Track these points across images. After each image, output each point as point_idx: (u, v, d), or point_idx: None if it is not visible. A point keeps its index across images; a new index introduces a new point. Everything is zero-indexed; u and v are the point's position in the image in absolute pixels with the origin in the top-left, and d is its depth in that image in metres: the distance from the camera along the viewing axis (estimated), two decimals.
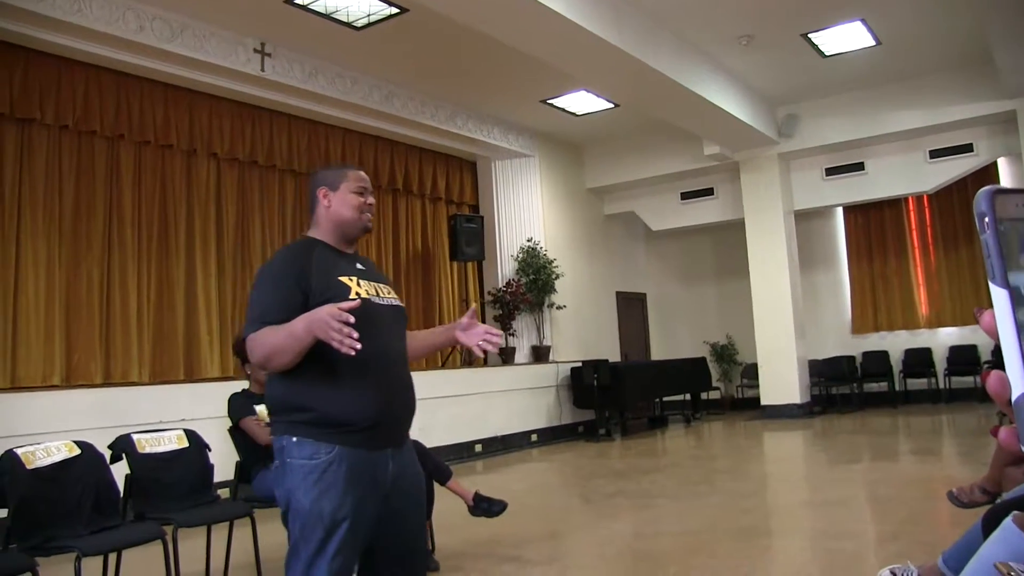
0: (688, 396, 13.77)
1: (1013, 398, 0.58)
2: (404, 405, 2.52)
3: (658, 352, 15.47)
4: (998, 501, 3.14)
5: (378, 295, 2.53)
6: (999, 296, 0.60)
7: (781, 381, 12.36)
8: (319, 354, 2.26)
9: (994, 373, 0.61)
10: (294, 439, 2.35)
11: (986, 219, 0.63)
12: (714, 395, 14.65)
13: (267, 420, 4.57)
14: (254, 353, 2.34)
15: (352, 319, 2.17)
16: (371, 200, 2.65)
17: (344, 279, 2.47)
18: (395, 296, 2.64)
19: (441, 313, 11.68)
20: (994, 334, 0.60)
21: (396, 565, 2.52)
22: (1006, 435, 0.62)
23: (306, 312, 2.28)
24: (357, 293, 2.45)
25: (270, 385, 2.48)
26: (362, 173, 2.67)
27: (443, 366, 10.95)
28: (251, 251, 9.21)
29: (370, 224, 2.66)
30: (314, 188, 2.62)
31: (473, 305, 2.74)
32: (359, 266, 2.60)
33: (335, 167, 2.69)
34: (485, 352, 2.66)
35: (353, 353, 2.17)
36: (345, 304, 2.22)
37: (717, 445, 10.79)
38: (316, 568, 2.31)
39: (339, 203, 2.58)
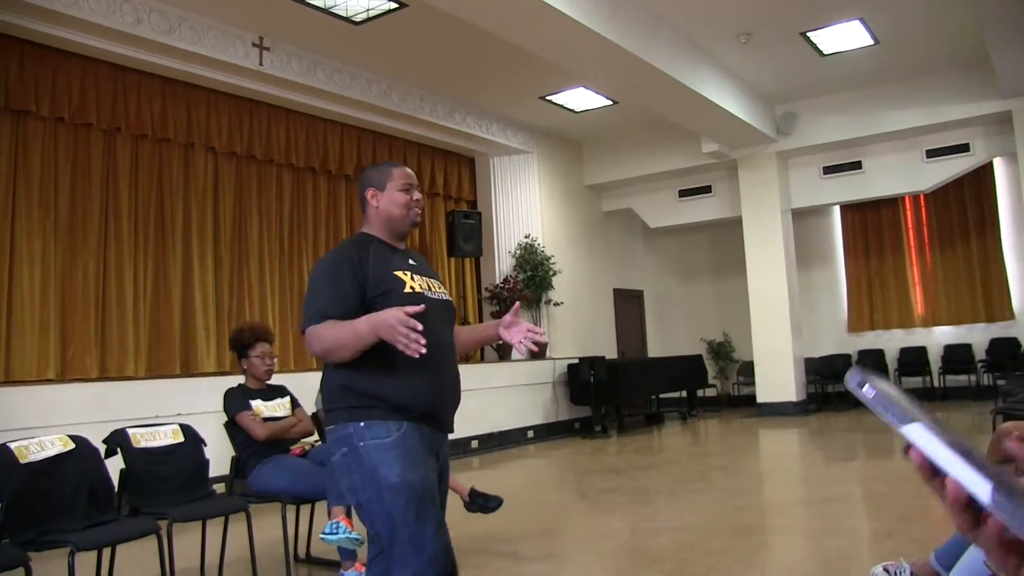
0: (684, 393, 13.79)
1: (986, 501, 0.61)
2: (454, 395, 2.67)
3: (655, 349, 15.49)
4: None
5: (430, 290, 2.65)
6: (912, 431, 0.66)
7: (777, 379, 12.38)
8: (379, 346, 2.36)
9: (949, 480, 0.64)
10: (362, 423, 2.45)
11: (865, 385, 0.71)
12: (710, 392, 14.67)
13: (263, 415, 4.60)
14: (313, 346, 2.45)
15: (419, 325, 2.28)
16: (417, 196, 2.75)
17: (399, 274, 2.60)
18: (445, 291, 2.76)
19: None
20: (927, 469, 0.65)
21: None
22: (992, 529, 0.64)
23: (363, 304, 2.46)
24: (412, 287, 2.58)
25: (330, 375, 2.56)
26: (407, 170, 2.78)
27: None
28: (248, 246, 9.20)
29: (418, 219, 2.77)
30: (363, 189, 2.74)
31: (516, 303, 2.76)
32: (411, 261, 2.72)
33: (380, 166, 2.80)
34: (529, 350, 2.74)
35: (418, 355, 2.28)
36: (411, 308, 2.32)
37: (713, 442, 10.80)
38: (425, 537, 2.38)
39: (387, 202, 2.70)
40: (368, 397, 2.46)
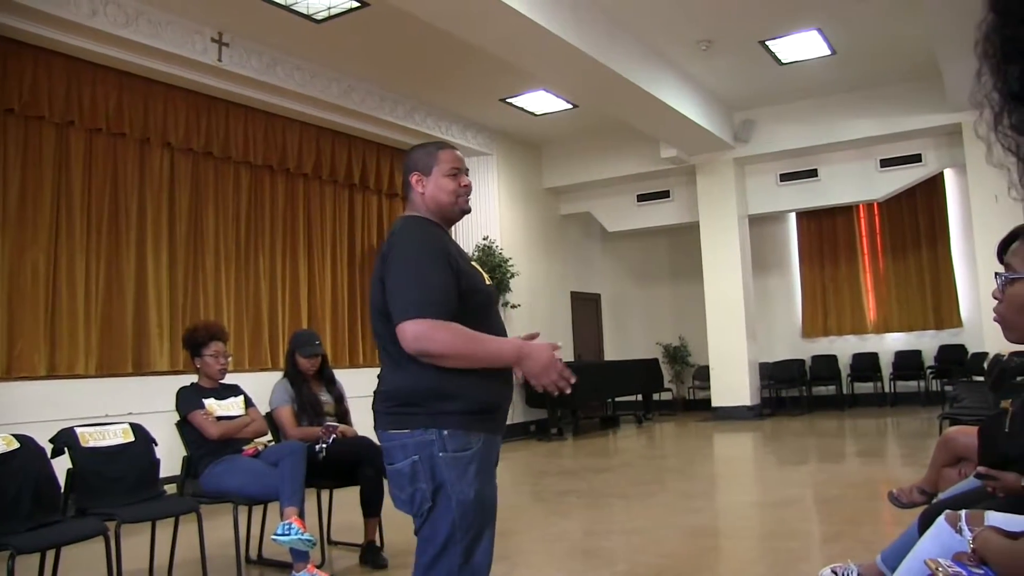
0: (640, 397, 13.88)
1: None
2: (512, 392, 2.53)
3: (611, 352, 15.56)
4: (934, 501, 3.22)
5: (489, 282, 2.51)
6: None
7: (732, 383, 12.50)
8: None
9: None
10: (445, 432, 2.26)
11: None
12: (666, 396, 14.78)
13: (216, 414, 4.55)
14: (426, 343, 2.20)
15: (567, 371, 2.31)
16: (466, 181, 2.54)
17: (475, 265, 2.46)
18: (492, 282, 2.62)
19: None
20: None
21: None
22: None
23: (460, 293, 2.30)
24: (487, 281, 2.46)
25: (403, 374, 2.32)
26: (456, 153, 2.56)
27: None
28: (204, 243, 9.08)
29: (468, 207, 2.56)
30: (406, 173, 2.54)
31: (537, 331, 2.63)
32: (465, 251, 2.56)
33: (426, 148, 2.57)
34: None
35: (567, 393, 2.27)
36: (554, 344, 2.32)
37: (668, 446, 10.87)
38: (476, 556, 2.29)
39: (434, 188, 2.49)
40: (450, 400, 2.27)
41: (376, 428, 2.40)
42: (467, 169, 2.59)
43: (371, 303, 2.41)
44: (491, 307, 2.45)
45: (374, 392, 2.42)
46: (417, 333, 2.20)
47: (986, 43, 0.73)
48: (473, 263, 2.49)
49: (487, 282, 2.46)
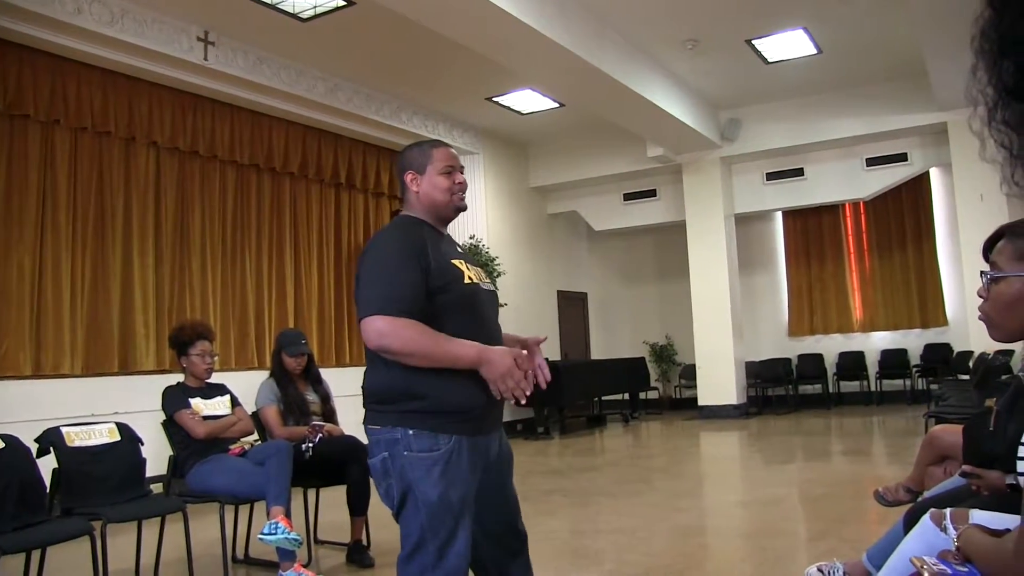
0: (627, 396, 13.89)
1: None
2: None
3: (598, 351, 15.57)
4: (919, 500, 3.24)
5: (480, 280, 2.50)
6: None
7: (718, 382, 12.54)
8: None
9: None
10: (410, 432, 2.28)
11: None
12: (652, 395, 14.81)
13: (202, 414, 4.53)
14: (387, 340, 2.22)
15: (529, 371, 2.29)
16: (461, 178, 2.56)
17: (456, 263, 2.45)
18: (490, 281, 2.60)
19: None
20: None
21: (495, 543, 2.53)
22: None
23: (424, 290, 2.30)
24: (469, 278, 2.44)
25: (376, 372, 2.36)
26: (450, 150, 2.58)
27: None
28: (190, 242, 9.05)
29: (464, 205, 2.58)
30: (401, 172, 2.55)
31: (544, 337, 2.61)
32: (459, 248, 2.58)
33: (420, 146, 2.59)
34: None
35: (522, 404, 2.28)
36: (517, 352, 2.28)
37: (654, 444, 10.89)
38: (448, 557, 2.28)
39: (428, 187, 2.51)
40: (417, 399, 2.29)
41: (363, 423, 2.43)
42: (462, 167, 2.61)
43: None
44: (475, 306, 2.42)
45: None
46: (379, 329, 2.22)
47: (981, 38, 0.74)
48: (457, 262, 2.46)
49: (469, 280, 2.43)
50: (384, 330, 2.22)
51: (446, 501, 2.28)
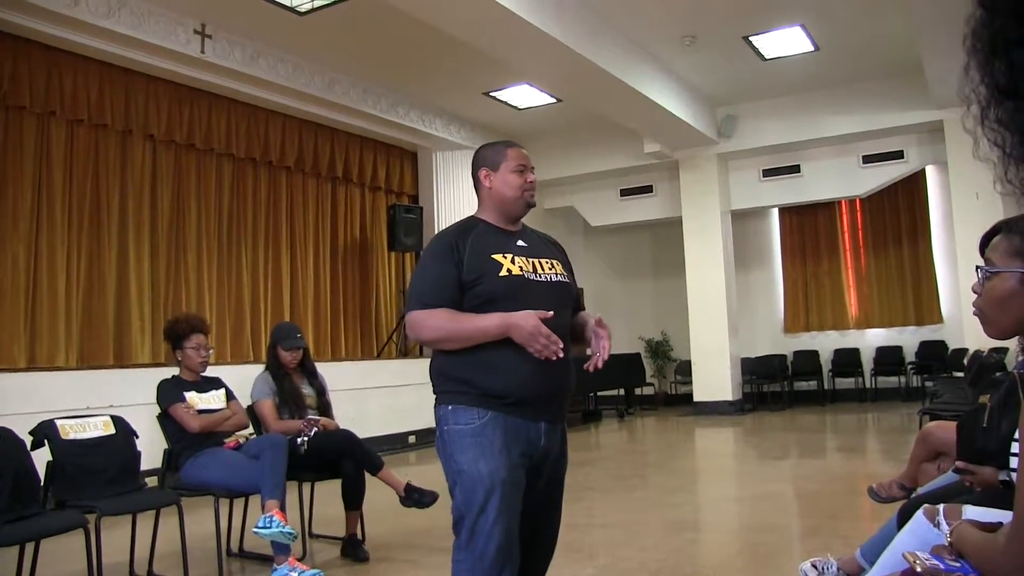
0: (622, 391, 13.90)
1: None
2: (559, 381, 2.57)
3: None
4: (913, 496, 3.25)
5: (535, 271, 2.59)
6: None
7: (714, 378, 12.55)
8: None
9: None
10: (450, 407, 2.50)
11: None
12: (648, 391, 14.81)
13: (197, 407, 4.53)
14: (419, 331, 2.51)
15: (552, 336, 2.38)
16: (532, 177, 2.71)
17: (497, 256, 2.55)
18: (559, 271, 2.69)
19: (378, 303, 11.61)
20: None
21: (525, 544, 2.55)
22: None
23: (460, 290, 2.48)
24: (509, 270, 2.53)
25: (433, 359, 2.60)
26: (523, 151, 2.74)
27: (378, 356, 10.90)
28: (186, 235, 9.04)
29: (533, 201, 2.72)
30: (476, 169, 2.73)
31: (550, 312, 2.64)
32: (520, 243, 2.66)
33: (495, 146, 2.77)
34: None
35: (556, 359, 2.38)
36: (542, 313, 2.38)
37: (649, 440, 10.91)
38: (479, 532, 2.38)
39: (500, 183, 2.67)
40: (458, 382, 2.50)
41: None
42: (532, 167, 2.75)
43: None
44: (518, 297, 2.49)
45: None
46: (410, 323, 2.52)
47: (973, 38, 0.74)
48: (498, 256, 2.55)
49: (507, 272, 2.52)
50: (414, 323, 2.50)
51: (476, 472, 2.40)
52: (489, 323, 2.42)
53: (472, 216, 2.73)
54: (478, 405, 2.46)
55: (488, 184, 2.68)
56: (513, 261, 2.56)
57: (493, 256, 2.55)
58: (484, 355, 2.46)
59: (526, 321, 2.37)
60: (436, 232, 2.69)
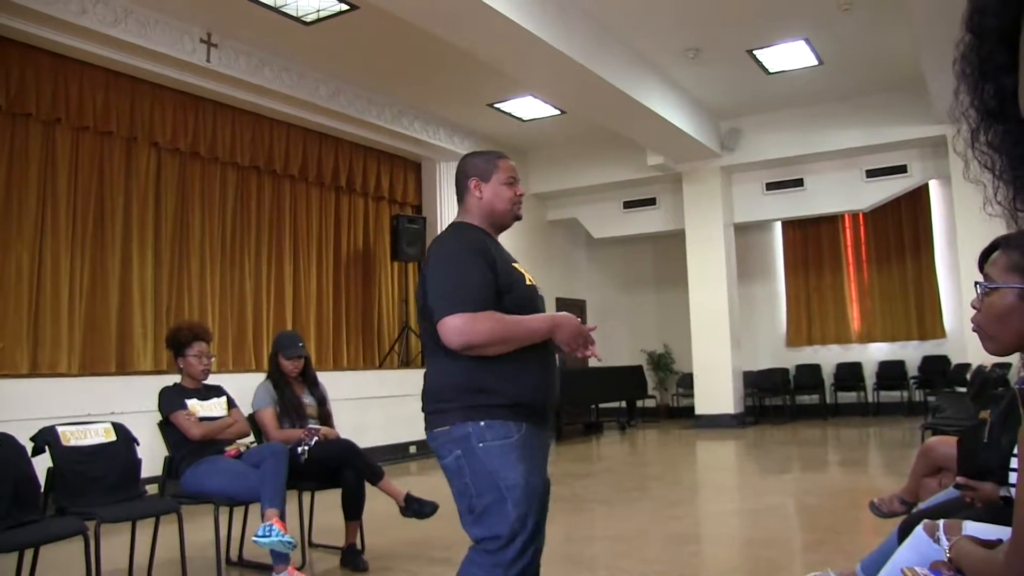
0: (624, 403, 13.88)
1: None
2: (557, 389, 2.57)
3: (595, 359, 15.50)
4: (913, 511, 3.24)
5: (535, 284, 2.60)
6: None
7: (716, 391, 12.53)
8: None
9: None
10: (481, 423, 2.32)
11: None
12: (650, 403, 14.79)
13: (199, 415, 4.53)
14: (467, 335, 2.29)
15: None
16: (521, 190, 2.67)
17: (517, 267, 2.55)
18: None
19: (380, 313, 11.61)
20: None
21: None
22: None
23: (498, 293, 2.40)
24: (530, 281, 2.55)
25: (440, 370, 2.43)
26: (512, 162, 2.68)
27: (380, 366, 10.90)
28: (189, 243, 9.06)
29: (521, 214, 2.69)
30: (464, 177, 2.63)
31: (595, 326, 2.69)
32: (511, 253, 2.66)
33: (485, 155, 2.69)
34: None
35: (600, 359, 2.44)
36: (589, 326, 2.43)
37: (651, 452, 10.89)
38: (528, 550, 2.33)
39: (492, 195, 2.60)
40: (489, 394, 2.34)
41: (425, 428, 2.47)
42: (519, 180, 2.71)
43: (418, 306, 2.52)
44: (535, 308, 2.53)
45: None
46: (459, 327, 2.29)
47: (963, 62, 0.75)
48: (516, 265, 2.57)
49: (530, 282, 2.55)
50: (463, 327, 2.29)
51: (531, 485, 2.33)
52: (540, 324, 2.40)
53: (470, 223, 2.60)
54: (512, 418, 2.35)
55: (479, 194, 2.60)
56: (526, 272, 2.58)
57: (515, 265, 2.55)
58: (510, 364, 2.37)
59: (570, 321, 2.40)
60: (452, 236, 2.57)
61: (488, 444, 2.31)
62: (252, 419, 4.90)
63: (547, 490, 2.42)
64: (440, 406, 2.40)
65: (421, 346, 2.55)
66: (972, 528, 2.08)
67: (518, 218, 2.68)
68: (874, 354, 13.67)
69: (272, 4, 7.96)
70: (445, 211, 12.23)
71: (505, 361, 2.36)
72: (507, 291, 2.43)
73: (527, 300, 2.50)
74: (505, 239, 2.71)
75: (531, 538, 2.33)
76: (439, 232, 2.68)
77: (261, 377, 5.09)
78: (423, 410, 2.47)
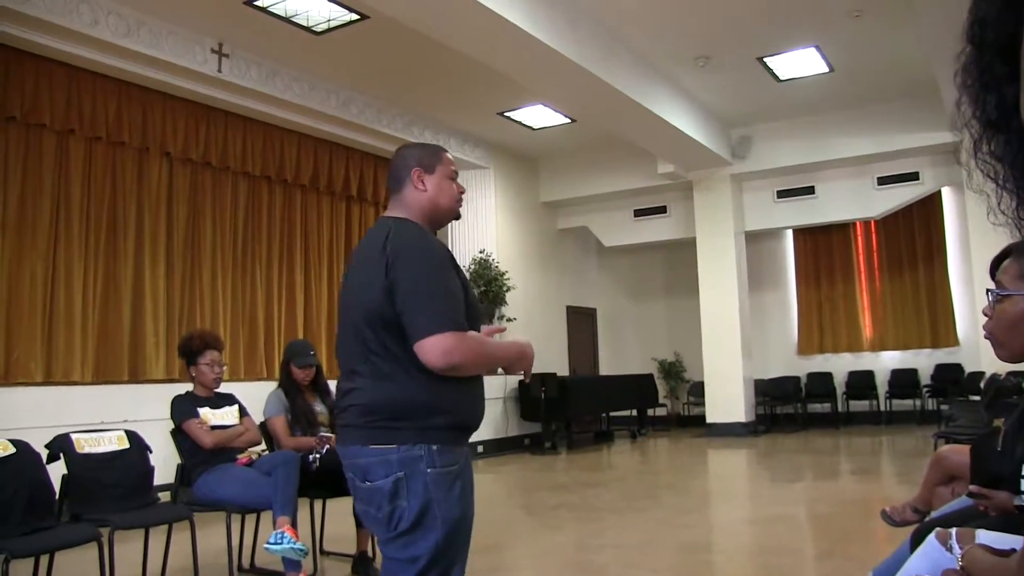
0: (635, 412, 13.86)
1: None
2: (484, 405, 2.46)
3: (606, 367, 15.55)
4: (926, 520, 3.23)
5: None
6: None
7: (727, 400, 12.49)
8: None
9: None
10: (434, 447, 2.15)
11: None
12: (661, 412, 14.76)
13: (210, 423, 4.55)
14: (451, 356, 2.12)
15: None
16: (462, 187, 2.50)
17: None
18: None
19: None
20: None
21: None
22: None
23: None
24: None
25: (392, 387, 2.19)
26: (451, 155, 2.51)
27: None
28: (201, 253, 9.10)
29: (460, 214, 2.51)
30: (404, 168, 2.40)
31: (504, 327, 2.62)
32: None
33: (427, 147, 2.48)
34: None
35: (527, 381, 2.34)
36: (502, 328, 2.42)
37: (661, 461, 10.87)
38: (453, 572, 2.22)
39: (435, 189, 2.38)
40: (444, 415, 2.18)
41: (348, 444, 2.24)
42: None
43: (362, 307, 2.23)
44: (479, 320, 2.42)
45: (344, 406, 2.26)
46: (446, 347, 2.11)
47: (964, 73, 0.76)
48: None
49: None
50: (452, 348, 2.11)
51: (466, 519, 2.23)
52: (508, 352, 2.33)
53: (409, 220, 2.35)
54: (456, 442, 2.21)
55: (421, 187, 2.36)
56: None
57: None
58: (463, 384, 2.23)
59: (530, 348, 2.34)
60: (424, 242, 2.31)
61: (437, 471, 2.15)
62: (263, 427, 4.91)
63: (472, 519, 2.31)
64: (389, 424, 2.16)
65: (346, 352, 2.31)
66: (985, 537, 2.07)
67: (458, 217, 2.51)
68: (886, 362, 13.62)
69: (283, 14, 8.00)
70: (455, 220, 12.23)
71: (460, 381, 2.21)
72: (470, 305, 2.30)
73: (477, 314, 2.39)
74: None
75: (454, 571, 2.22)
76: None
77: (272, 385, 5.10)
78: (350, 423, 2.23)
